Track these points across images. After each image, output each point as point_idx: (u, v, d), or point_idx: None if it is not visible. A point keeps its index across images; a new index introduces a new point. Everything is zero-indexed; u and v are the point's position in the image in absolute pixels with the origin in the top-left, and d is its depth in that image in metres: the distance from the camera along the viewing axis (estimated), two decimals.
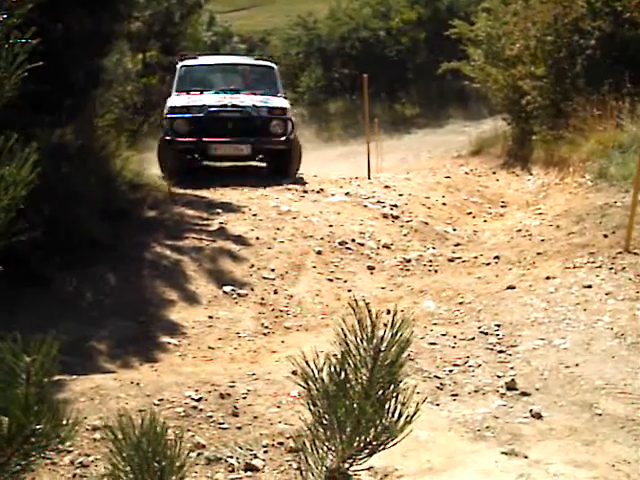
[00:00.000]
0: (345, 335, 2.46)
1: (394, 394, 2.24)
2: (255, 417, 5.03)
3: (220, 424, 4.98)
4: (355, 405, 2.17)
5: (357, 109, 20.11)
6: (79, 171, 8.74)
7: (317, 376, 2.46)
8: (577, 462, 4.40)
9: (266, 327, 7.32)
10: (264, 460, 4.52)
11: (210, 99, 13.00)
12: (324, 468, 2.17)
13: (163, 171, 12.44)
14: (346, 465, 2.16)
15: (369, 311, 2.54)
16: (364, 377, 2.32)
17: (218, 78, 14.26)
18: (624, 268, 7.41)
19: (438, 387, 5.43)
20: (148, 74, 17.21)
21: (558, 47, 14.89)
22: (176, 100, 13.05)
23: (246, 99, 13.06)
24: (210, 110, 12.63)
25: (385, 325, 2.48)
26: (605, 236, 8.26)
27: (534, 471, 4.30)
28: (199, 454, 4.59)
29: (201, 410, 5.13)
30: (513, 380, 5.44)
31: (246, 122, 12.64)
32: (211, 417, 5.06)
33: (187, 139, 12.59)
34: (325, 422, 2.31)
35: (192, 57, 14.57)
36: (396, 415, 2.20)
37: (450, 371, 5.70)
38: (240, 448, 4.66)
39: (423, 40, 26.75)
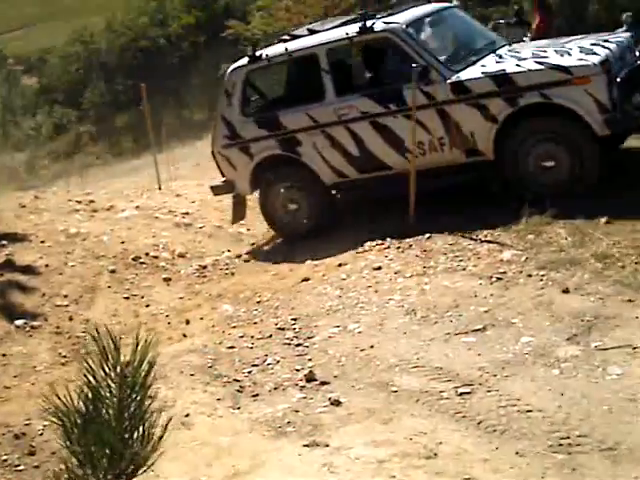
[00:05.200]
0: (90, 366, 2.37)
1: (142, 421, 2.19)
2: (53, 453, 4.86)
3: (16, 466, 4.79)
4: (105, 437, 2.10)
5: (145, 120, 19.87)
6: None
7: (69, 410, 2.36)
8: (377, 442, 4.51)
9: (64, 356, 7.07)
10: None
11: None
12: None
13: None
14: None
15: (112, 338, 2.46)
16: (114, 406, 2.25)
17: (452, 36, 9.31)
18: (411, 246, 7.65)
19: (238, 390, 5.44)
20: None
21: None
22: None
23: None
24: None
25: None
26: (389, 216, 8.48)
27: (336, 458, 4.38)
28: None
29: None
30: (311, 371, 5.52)
31: None
32: (6, 460, 4.86)
33: None
34: (80, 456, 2.22)
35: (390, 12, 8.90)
36: (144, 442, 2.15)
37: (249, 372, 5.72)
38: None
39: (203, 43, 26.71)
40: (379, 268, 7.28)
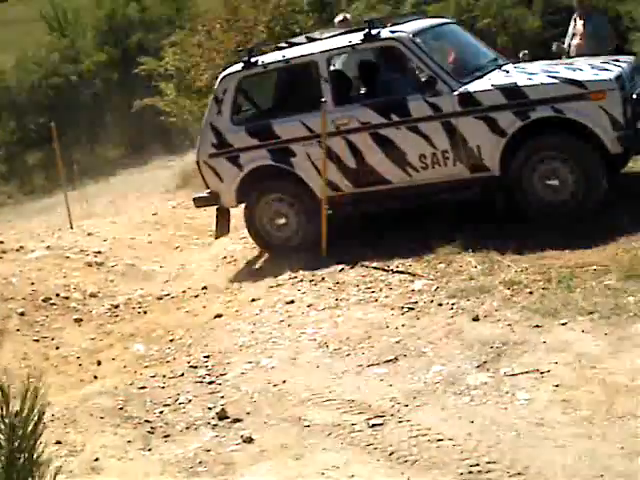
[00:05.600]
0: None
1: (32, 473, 2.11)
2: None
3: None
4: None
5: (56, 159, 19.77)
6: None
7: None
8: (289, 478, 4.50)
9: None
10: None
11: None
12: None
13: None
14: None
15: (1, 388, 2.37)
16: (3, 458, 2.17)
17: (457, 50, 8.97)
18: (323, 278, 7.68)
19: (149, 431, 5.35)
20: None
21: None
22: None
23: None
24: None
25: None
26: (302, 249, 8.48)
27: None
28: None
29: None
30: (224, 409, 5.47)
31: None
32: None
33: None
34: None
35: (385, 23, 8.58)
36: None
37: (161, 412, 5.63)
38: None
39: (117, 80, 26.48)
40: (292, 302, 7.29)
